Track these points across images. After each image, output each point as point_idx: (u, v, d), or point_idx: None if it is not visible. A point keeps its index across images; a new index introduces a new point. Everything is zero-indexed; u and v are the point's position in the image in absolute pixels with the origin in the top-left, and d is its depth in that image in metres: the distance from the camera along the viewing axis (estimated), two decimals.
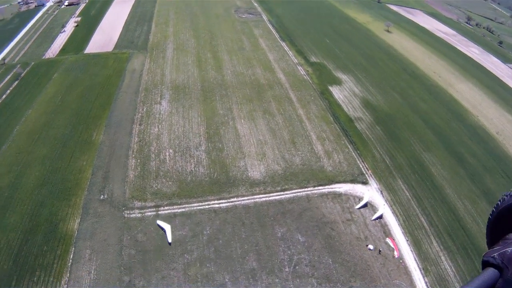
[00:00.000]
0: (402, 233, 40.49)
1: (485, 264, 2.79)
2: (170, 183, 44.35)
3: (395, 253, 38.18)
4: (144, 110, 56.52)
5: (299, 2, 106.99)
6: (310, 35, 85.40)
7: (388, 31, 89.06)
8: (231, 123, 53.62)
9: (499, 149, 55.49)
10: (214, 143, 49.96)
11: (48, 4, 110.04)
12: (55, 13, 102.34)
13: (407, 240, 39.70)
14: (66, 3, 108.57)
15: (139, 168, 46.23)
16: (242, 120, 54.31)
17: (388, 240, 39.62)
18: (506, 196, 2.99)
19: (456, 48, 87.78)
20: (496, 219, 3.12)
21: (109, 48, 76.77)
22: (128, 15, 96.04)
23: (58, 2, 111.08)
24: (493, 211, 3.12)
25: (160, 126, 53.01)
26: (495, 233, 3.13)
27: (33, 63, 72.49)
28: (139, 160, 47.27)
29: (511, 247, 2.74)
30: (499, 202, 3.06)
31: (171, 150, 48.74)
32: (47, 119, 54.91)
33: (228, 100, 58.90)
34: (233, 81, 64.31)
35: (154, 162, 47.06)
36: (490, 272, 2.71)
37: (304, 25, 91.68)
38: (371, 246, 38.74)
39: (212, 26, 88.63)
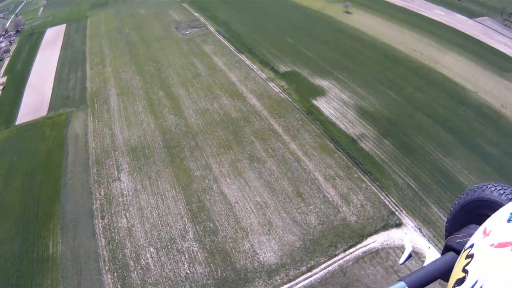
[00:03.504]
0: None
1: (448, 248, 3.21)
2: None
3: None
4: (102, 194, 43.26)
5: (241, 2, 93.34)
6: (267, 37, 72.92)
7: (348, 12, 78.32)
8: (215, 188, 41.31)
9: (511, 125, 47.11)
10: (203, 223, 37.81)
11: None
12: None
13: None
14: None
15: (119, 287, 33.89)
16: (228, 179, 42.05)
17: None
18: (470, 190, 3.43)
19: (421, 14, 78.28)
20: (458, 212, 3.54)
21: (43, 111, 61.79)
22: (58, 61, 79.76)
23: None
24: (455, 204, 3.57)
25: (127, 214, 40.16)
26: (456, 222, 3.54)
27: None
28: (115, 274, 34.72)
29: (471, 236, 2.85)
30: (462, 196, 3.52)
31: (151, 249, 36.23)
32: None
33: (201, 153, 46.22)
34: (199, 123, 51.40)
35: (135, 272, 34.60)
36: (452, 255, 3.10)
37: (257, 27, 78.86)
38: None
39: (155, 53, 74.03)
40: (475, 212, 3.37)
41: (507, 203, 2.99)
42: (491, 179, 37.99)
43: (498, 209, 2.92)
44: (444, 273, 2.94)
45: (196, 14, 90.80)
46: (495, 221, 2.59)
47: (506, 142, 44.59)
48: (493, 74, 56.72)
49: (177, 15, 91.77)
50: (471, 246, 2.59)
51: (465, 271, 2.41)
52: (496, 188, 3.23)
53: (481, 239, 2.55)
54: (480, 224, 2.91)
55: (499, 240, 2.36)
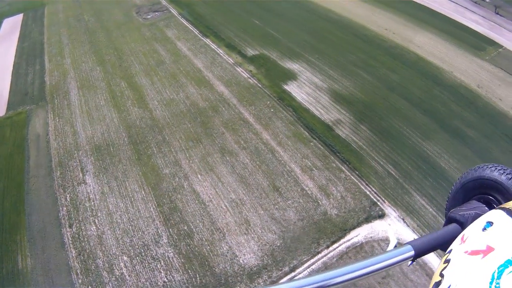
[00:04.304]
0: None
1: (451, 220, 3.36)
2: None
3: None
4: (68, 199, 40.26)
5: None
6: (233, 19, 70.05)
7: None
8: (186, 186, 39.04)
9: (488, 106, 46.98)
10: (176, 226, 35.70)
11: None
12: None
13: None
14: None
15: None
16: (199, 176, 39.81)
17: None
18: (471, 170, 3.52)
19: None
20: (460, 189, 3.61)
21: (1, 111, 57.18)
22: (15, 54, 73.97)
23: None
24: (456, 183, 3.66)
25: (96, 220, 37.49)
26: (457, 199, 3.62)
27: None
28: (89, 287, 32.51)
29: (475, 210, 3.25)
30: (463, 175, 3.60)
31: (125, 258, 33.95)
32: None
33: (169, 148, 43.65)
34: (165, 115, 48.61)
35: (110, 284, 32.35)
36: (455, 226, 3.30)
37: (221, 8, 75.47)
38: None
39: (115, 41, 69.82)
40: (476, 190, 3.48)
41: (506, 182, 3.18)
42: (471, 163, 38.18)
43: (497, 187, 3.22)
44: (446, 242, 3.08)
45: None
46: (472, 229, 2.64)
47: (483, 123, 44.45)
48: (467, 53, 56.35)
49: None
50: (449, 251, 2.66)
51: (441, 275, 2.50)
52: (496, 168, 3.30)
53: (458, 246, 2.61)
54: (480, 201, 3.38)
55: (473, 247, 2.45)
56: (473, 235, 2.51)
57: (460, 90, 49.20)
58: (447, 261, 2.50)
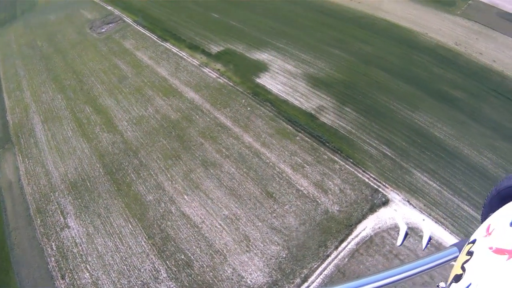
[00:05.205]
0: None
1: None
2: None
3: None
4: (54, 248, 36.91)
5: None
6: (190, 17, 66.89)
7: None
8: (174, 210, 36.36)
9: (471, 63, 45.18)
10: (173, 256, 33.16)
11: None
12: None
13: None
14: None
15: None
16: (186, 196, 37.14)
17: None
18: (506, 178, 3.71)
19: None
20: (495, 197, 3.76)
21: None
22: None
23: None
24: (492, 190, 3.81)
25: (88, 266, 34.36)
26: (493, 206, 3.66)
27: None
28: None
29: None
30: (499, 182, 3.77)
31: None
32: None
33: (148, 171, 40.79)
34: (137, 135, 45.53)
35: None
36: None
37: (176, 7, 72.15)
38: (442, 284, 26.93)
39: (72, 63, 65.25)
40: (510, 198, 3.35)
41: None
42: (466, 128, 36.61)
43: None
44: None
45: (109, 7, 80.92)
46: (499, 221, 2.55)
47: (469, 81, 42.87)
48: (437, 10, 54.60)
49: (90, 13, 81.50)
50: (473, 241, 2.66)
51: (463, 268, 2.48)
52: None
53: (483, 238, 2.56)
54: None
55: (498, 245, 2.33)
56: (499, 228, 2.40)
57: (438, 51, 47.46)
58: (470, 254, 2.47)
